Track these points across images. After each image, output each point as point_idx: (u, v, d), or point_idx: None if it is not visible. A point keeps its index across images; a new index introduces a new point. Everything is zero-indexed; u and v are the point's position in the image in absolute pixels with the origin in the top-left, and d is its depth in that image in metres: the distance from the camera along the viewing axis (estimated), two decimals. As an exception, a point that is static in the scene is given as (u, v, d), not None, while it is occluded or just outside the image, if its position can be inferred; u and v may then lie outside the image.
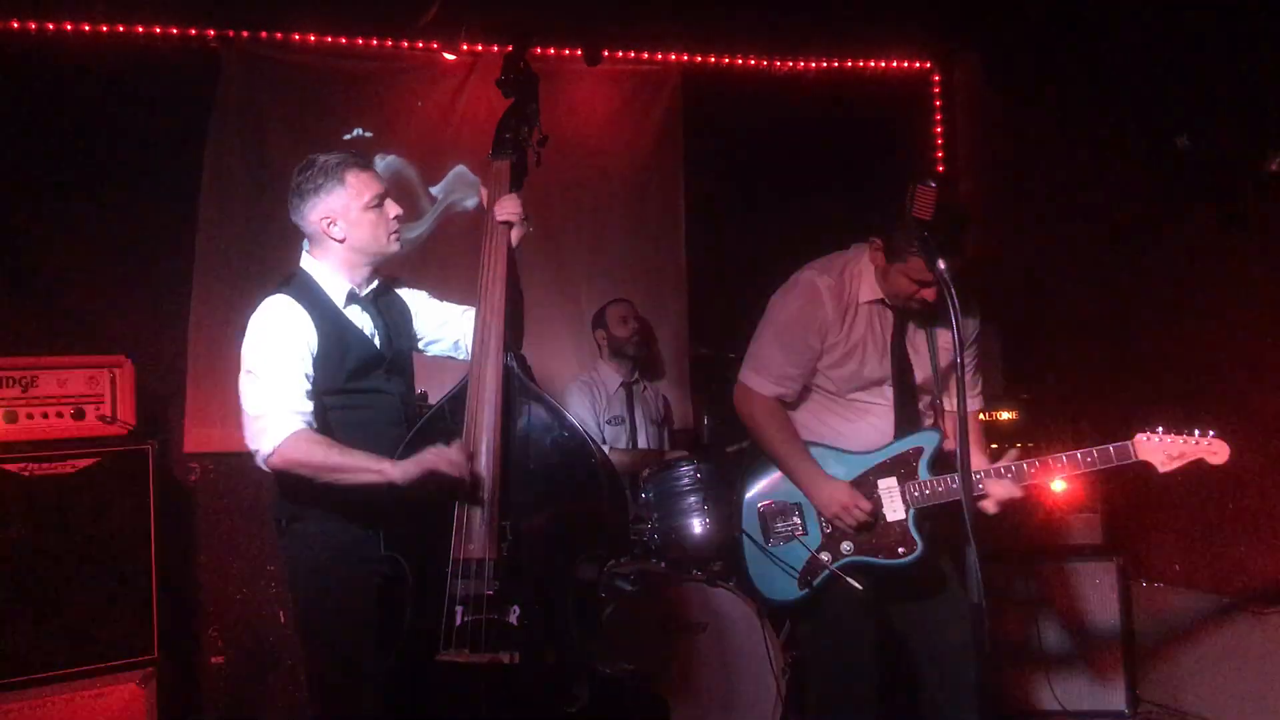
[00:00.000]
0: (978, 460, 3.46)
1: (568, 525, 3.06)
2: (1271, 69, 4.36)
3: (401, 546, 3.04)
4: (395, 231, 3.21)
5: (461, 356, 3.36)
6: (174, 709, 4.45)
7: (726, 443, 4.87)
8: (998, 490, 3.33)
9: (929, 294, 3.27)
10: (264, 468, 3.03)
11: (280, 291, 3.13)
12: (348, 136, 5.18)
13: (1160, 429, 3.25)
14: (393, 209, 3.20)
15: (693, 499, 4.48)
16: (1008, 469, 3.36)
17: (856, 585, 3.40)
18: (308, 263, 3.22)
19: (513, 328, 3.19)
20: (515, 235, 3.23)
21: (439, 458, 2.93)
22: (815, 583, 3.46)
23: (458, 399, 3.09)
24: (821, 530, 3.49)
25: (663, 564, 4.44)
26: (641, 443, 5.24)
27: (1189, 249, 4.82)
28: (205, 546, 5.10)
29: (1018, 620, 4.81)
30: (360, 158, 3.20)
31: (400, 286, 3.43)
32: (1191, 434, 3.24)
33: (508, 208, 3.22)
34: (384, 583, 3.07)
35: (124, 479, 4.27)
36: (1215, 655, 4.61)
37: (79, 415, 4.28)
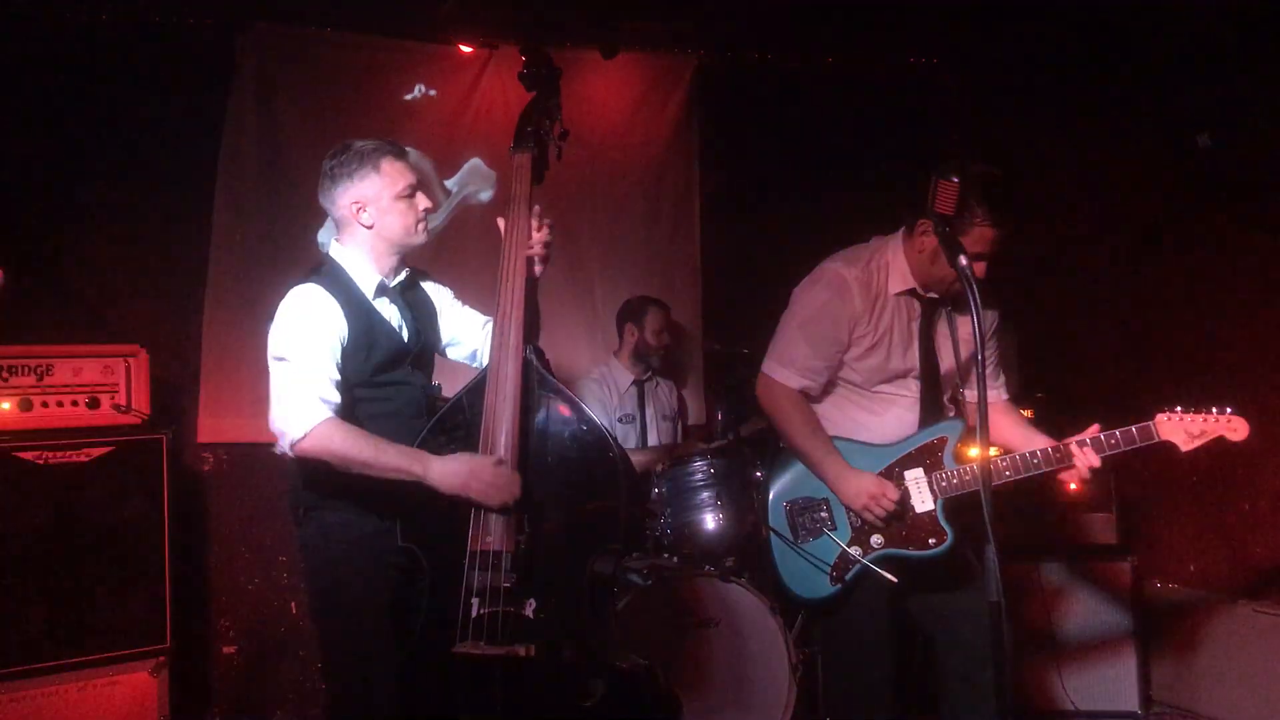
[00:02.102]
0: (1033, 439, 3.47)
1: (585, 519, 3.04)
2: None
3: (419, 537, 3.03)
4: (423, 222, 3.21)
5: (476, 366, 3.36)
6: (186, 698, 4.46)
7: (741, 442, 4.87)
8: (1082, 459, 3.33)
9: (980, 268, 3.22)
10: (289, 453, 2.98)
11: (311, 280, 3.11)
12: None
13: (1179, 408, 3.29)
14: (423, 201, 3.20)
15: (706, 494, 4.47)
16: (1080, 441, 3.35)
17: (891, 578, 3.39)
18: (337, 251, 3.21)
19: (529, 319, 3.18)
20: (540, 248, 3.21)
21: (479, 482, 2.91)
22: (848, 578, 3.45)
23: (476, 391, 3.07)
24: (850, 524, 3.48)
25: (675, 559, 4.44)
26: (652, 440, 5.23)
27: (1207, 247, 4.80)
28: (218, 536, 5.11)
29: (1032, 619, 4.79)
30: (395, 147, 3.18)
31: (427, 280, 3.42)
32: (1210, 411, 3.28)
33: (533, 249, 3.18)
34: (401, 574, 3.05)
35: (138, 468, 4.27)
36: (1229, 656, 4.60)
37: (94, 404, 4.28)
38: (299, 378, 2.98)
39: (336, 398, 3.01)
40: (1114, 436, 3.32)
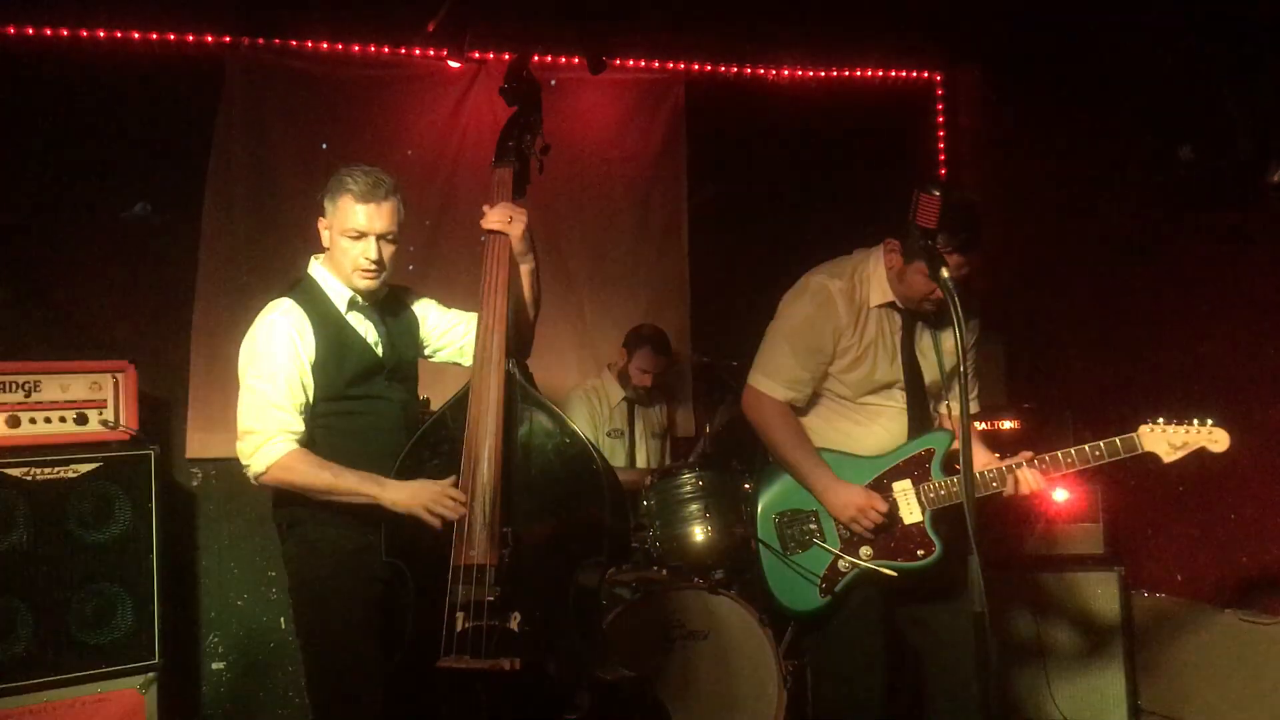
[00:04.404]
0: (983, 458, 3.48)
1: (569, 531, 3.06)
2: (1275, 79, 4.37)
3: (403, 552, 3.05)
4: (362, 271, 3.16)
5: (468, 363, 3.36)
6: (175, 714, 4.44)
7: (728, 452, 4.87)
8: (1028, 480, 3.36)
9: (938, 293, 3.26)
10: (254, 483, 3.09)
11: (284, 295, 3.17)
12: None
13: (1161, 419, 3.32)
14: (372, 250, 3.14)
15: (694, 506, 4.47)
16: (1024, 463, 3.37)
17: (891, 572, 3.40)
18: (314, 267, 3.26)
19: (519, 336, 3.20)
20: (517, 242, 3.21)
21: (433, 502, 2.94)
22: (838, 589, 3.46)
23: (459, 406, 3.09)
24: (840, 536, 3.49)
25: (664, 571, 4.44)
26: (640, 457, 5.22)
27: (1192, 259, 4.83)
28: (207, 552, 5.10)
29: (1019, 629, 4.80)
30: (372, 189, 3.13)
31: (408, 294, 3.44)
32: (1192, 423, 3.31)
33: (493, 216, 3.18)
34: (385, 588, 3.08)
35: (126, 484, 4.26)
36: (1217, 666, 4.60)
37: (82, 420, 4.28)
38: (260, 411, 3.05)
39: (299, 426, 3.07)
40: (1097, 448, 3.34)
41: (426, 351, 3.46)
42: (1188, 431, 3.30)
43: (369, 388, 3.19)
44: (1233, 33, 4.50)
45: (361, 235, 3.14)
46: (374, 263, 3.16)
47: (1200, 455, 3.31)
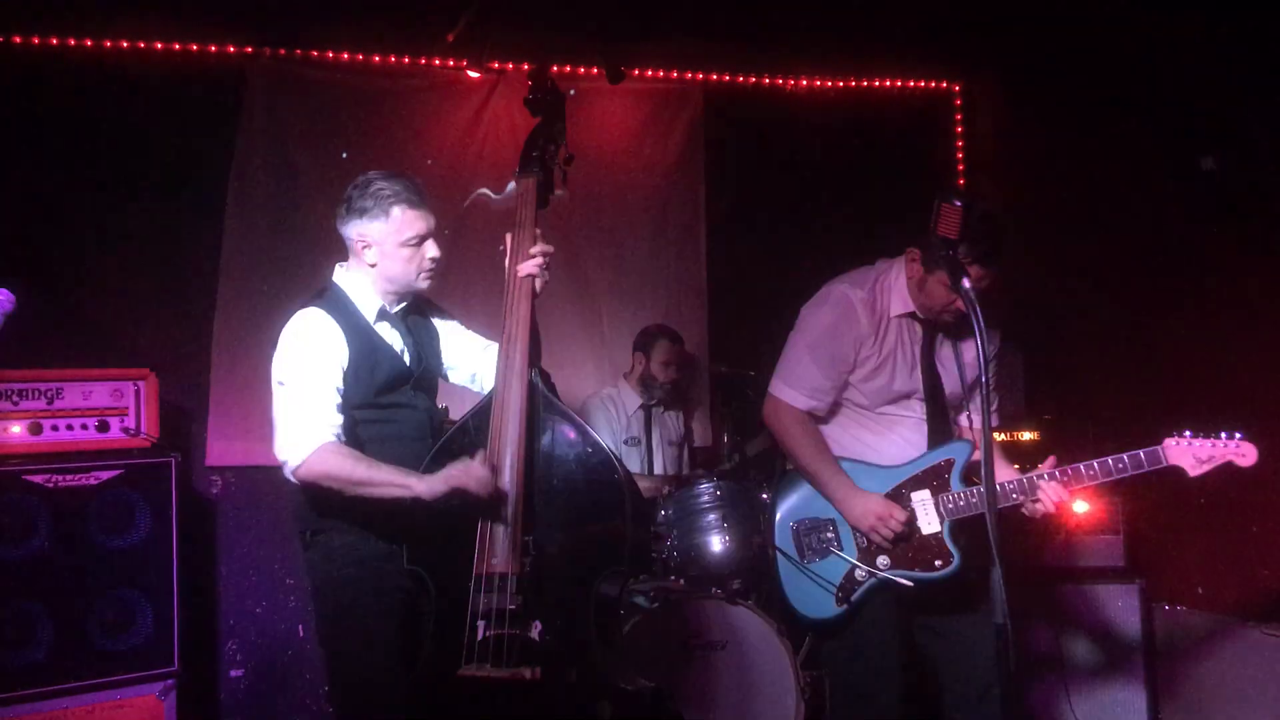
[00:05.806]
0: (1004, 472, 3.46)
1: (590, 541, 3.06)
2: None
3: (425, 560, 3.05)
4: (428, 272, 3.22)
5: (476, 389, 3.39)
6: (193, 722, 4.47)
7: (746, 462, 4.88)
8: (1050, 493, 3.33)
9: (959, 304, 3.26)
10: (292, 479, 3.06)
11: (313, 304, 3.16)
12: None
13: (1188, 433, 3.28)
14: (431, 249, 3.20)
15: (712, 516, 4.47)
16: (1049, 474, 3.36)
17: (908, 582, 3.39)
18: (340, 276, 3.25)
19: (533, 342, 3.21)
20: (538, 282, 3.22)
21: (466, 475, 2.94)
22: (854, 599, 3.45)
23: (482, 414, 3.10)
24: (857, 545, 3.48)
25: (682, 581, 4.43)
26: (658, 465, 5.23)
27: (1213, 268, 4.80)
28: (226, 560, 5.12)
29: (1040, 642, 4.77)
30: (413, 193, 3.17)
31: (431, 308, 3.45)
32: (1219, 437, 3.27)
33: (529, 265, 3.18)
34: (407, 597, 3.08)
35: (147, 491, 4.29)
36: (1237, 678, 4.56)
37: (103, 428, 4.31)
38: (298, 405, 3.03)
39: (336, 422, 3.05)
40: (1121, 460, 3.31)
41: (441, 369, 3.46)
42: (1214, 445, 3.26)
43: (397, 396, 3.19)
44: (1254, 39, 4.49)
45: (423, 239, 3.18)
46: (437, 260, 3.22)
47: (1226, 470, 3.27)
